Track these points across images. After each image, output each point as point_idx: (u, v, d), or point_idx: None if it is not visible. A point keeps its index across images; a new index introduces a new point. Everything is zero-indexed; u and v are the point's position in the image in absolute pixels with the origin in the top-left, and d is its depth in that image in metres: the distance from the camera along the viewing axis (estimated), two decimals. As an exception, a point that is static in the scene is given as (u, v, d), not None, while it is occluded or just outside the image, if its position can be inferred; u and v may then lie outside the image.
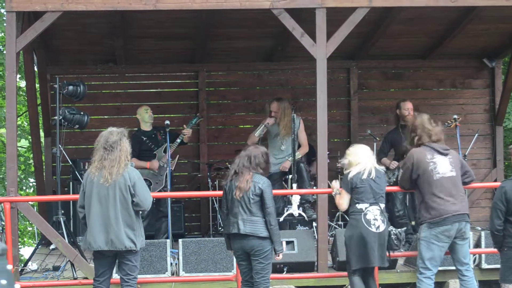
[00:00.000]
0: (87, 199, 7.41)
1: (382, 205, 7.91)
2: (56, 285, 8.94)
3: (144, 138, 10.88)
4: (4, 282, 2.42)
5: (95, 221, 7.34)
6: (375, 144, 11.42)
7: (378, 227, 7.79)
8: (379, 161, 10.79)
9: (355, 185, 7.86)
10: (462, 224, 7.82)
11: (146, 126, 10.98)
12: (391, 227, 8.01)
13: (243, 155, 7.55)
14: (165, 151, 10.75)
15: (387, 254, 7.92)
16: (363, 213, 7.80)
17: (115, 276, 8.01)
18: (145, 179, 10.54)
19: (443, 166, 7.94)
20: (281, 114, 10.83)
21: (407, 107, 10.83)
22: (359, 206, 7.84)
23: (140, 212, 7.47)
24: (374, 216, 7.80)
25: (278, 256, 7.50)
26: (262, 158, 7.54)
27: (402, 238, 8.01)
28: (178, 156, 11.26)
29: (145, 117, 10.93)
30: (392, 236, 7.93)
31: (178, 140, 10.76)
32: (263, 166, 7.54)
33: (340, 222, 11.51)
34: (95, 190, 7.34)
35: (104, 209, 7.32)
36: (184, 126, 10.97)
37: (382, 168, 8.22)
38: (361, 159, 7.97)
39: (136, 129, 11.04)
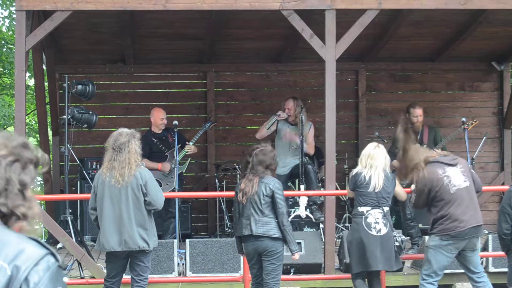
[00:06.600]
0: (99, 200, 7.38)
1: (386, 209, 7.81)
2: (63, 284, 8.95)
3: (155, 140, 10.86)
4: None
5: (108, 222, 7.31)
6: (383, 146, 11.39)
7: (379, 230, 7.69)
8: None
9: (359, 185, 7.81)
10: (474, 238, 7.76)
11: (157, 129, 10.99)
12: (397, 233, 7.90)
13: (254, 160, 7.46)
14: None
15: (400, 256, 7.85)
16: (363, 216, 7.73)
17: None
18: (156, 180, 10.63)
19: (456, 177, 7.77)
20: (295, 113, 10.80)
21: (417, 114, 10.66)
22: (360, 209, 7.78)
23: (152, 211, 7.46)
24: (375, 220, 7.71)
25: (295, 256, 7.48)
26: (272, 159, 7.52)
27: (403, 247, 7.92)
28: (190, 158, 11.32)
29: (159, 124, 10.94)
30: (395, 243, 7.81)
31: (184, 151, 10.80)
32: (272, 167, 7.52)
33: (347, 224, 11.49)
34: (107, 191, 7.32)
35: (116, 209, 7.30)
36: (187, 143, 10.97)
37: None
38: (372, 159, 7.88)
39: (147, 129, 11.05)
